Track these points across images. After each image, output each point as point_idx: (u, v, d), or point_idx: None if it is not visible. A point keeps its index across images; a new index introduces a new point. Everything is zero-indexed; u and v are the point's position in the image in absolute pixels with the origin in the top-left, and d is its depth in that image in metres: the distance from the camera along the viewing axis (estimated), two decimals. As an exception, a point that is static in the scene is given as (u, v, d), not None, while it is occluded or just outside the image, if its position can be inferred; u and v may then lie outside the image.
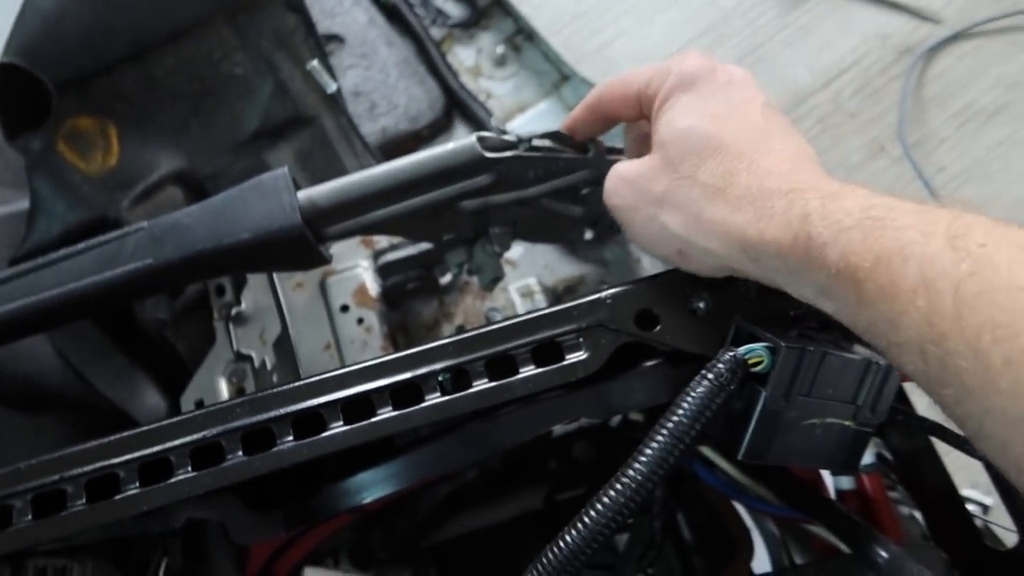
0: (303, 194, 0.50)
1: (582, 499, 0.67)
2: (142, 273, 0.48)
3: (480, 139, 0.53)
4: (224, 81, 0.68)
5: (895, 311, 0.31)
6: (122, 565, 0.53)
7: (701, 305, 0.47)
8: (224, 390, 0.66)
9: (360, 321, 0.67)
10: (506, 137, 0.54)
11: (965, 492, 0.58)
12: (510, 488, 0.69)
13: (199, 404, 0.65)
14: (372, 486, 0.49)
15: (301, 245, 0.50)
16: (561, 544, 0.38)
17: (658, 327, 0.46)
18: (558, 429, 0.65)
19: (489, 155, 0.53)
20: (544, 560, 0.38)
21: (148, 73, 0.65)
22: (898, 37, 0.83)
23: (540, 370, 0.45)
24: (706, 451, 0.58)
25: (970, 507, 0.53)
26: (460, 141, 0.53)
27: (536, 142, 0.55)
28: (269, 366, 0.64)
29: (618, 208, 0.46)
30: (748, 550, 0.60)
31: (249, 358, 0.66)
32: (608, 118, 0.51)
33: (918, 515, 0.56)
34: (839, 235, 0.34)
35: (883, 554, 0.44)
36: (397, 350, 0.68)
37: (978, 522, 0.53)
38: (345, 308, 0.67)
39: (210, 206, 0.50)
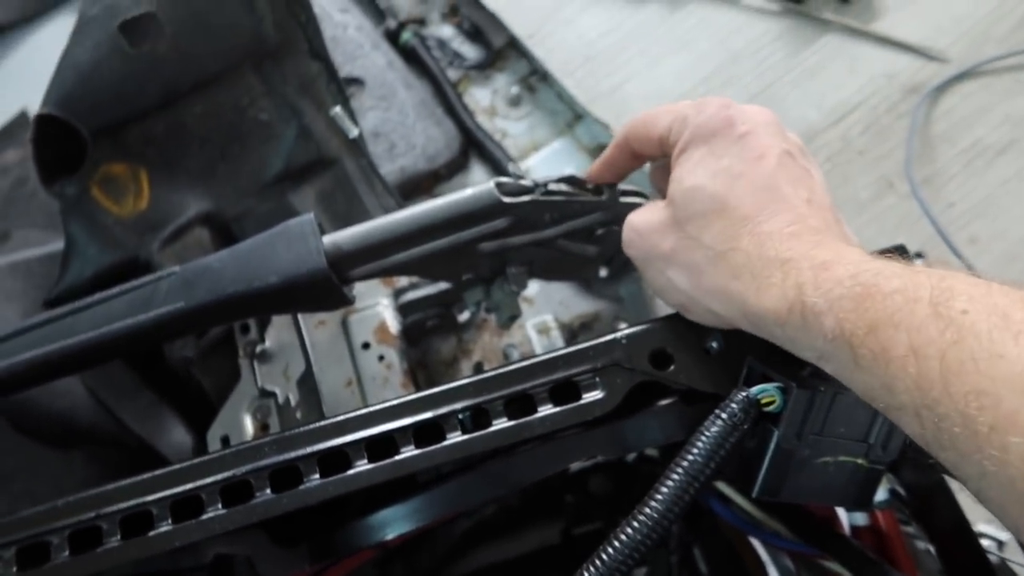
0: (328, 239, 0.52)
1: (599, 533, 0.68)
2: (175, 316, 0.50)
3: (498, 184, 0.54)
4: (250, 127, 0.71)
5: (889, 376, 0.32)
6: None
7: (714, 345, 0.48)
8: (249, 426, 0.67)
9: (381, 358, 0.68)
10: (523, 182, 0.56)
11: (980, 527, 0.58)
12: (528, 522, 0.70)
13: (225, 440, 0.67)
14: (395, 522, 0.50)
15: (326, 287, 0.52)
16: None
17: (672, 366, 0.47)
18: (575, 464, 0.66)
19: (507, 200, 0.55)
20: None
21: (178, 120, 0.68)
22: (905, 76, 0.84)
23: (558, 409, 0.46)
24: (722, 487, 0.59)
25: (985, 543, 0.54)
26: (479, 187, 0.54)
27: (552, 186, 0.57)
28: (293, 402, 0.66)
29: (633, 258, 0.49)
30: (763, 584, 0.60)
31: (273, 394, 0.67)
32: (636, 157, 0.53)
33: (934, 551, 0.56)
34: (832, 304, 0.35)
35: (895, 591, 0.45)
36: (417, 386, 0.70)
37: (993, 558, 0.53)
38: (366, 345, 0.69)
39: (239, 251, 0.52)
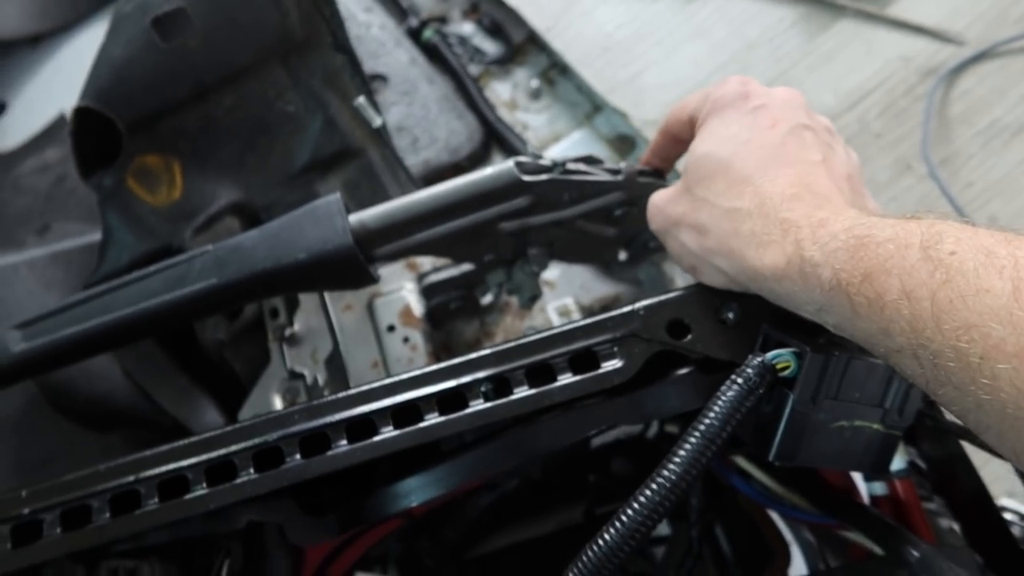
0: (354, 217, 0.54)
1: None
2: (208, 292, 0.52)
3: (517, 163, 0.56)
4: (277, 118, 0.73)
5: (885, 320, 0.34)
6: (185, 569, 0.56)
7: (730, 315, 0.48)
8: (279, 406, 0.69)
9: (406, 340, 0.70)
10: (542, 161, 0.57)
11: (1003, 502, 0.58)
12: (551, 502, 0.71)
13: (256, 420, 0.68)
14: (420, 490, 0.51)
15: (352, 265, 0.53)
16: (600, 542, 0.40)
17: (689, 336, 0.48)
18: (596, 443, 0.66)
19: (526, 178, 0.56)
20: (584, 558, 0.40)
21: (208, 113, 0.70)
22: (921, 59, 0.84)
23: (577, 378, 0.47)
24: (742, 462, 0.59)
25: (1007, 516, 0.53)
26: (498, 165, 0.56)
27: (570, 165, 0.58)
28: (321, 382, 0.67)
29: (656, 232, 0.51)
30: (785, 557, 0.60)
31: (302, 376, 0.69)
32: (677, 141, 0.55)
33: (957, 528, 0.56)
34: (829, 256, 0.37)
35: (915, 553, 0.45)
36: (441, 368, 0.71)
37: (1016, 530, 0.53)
38: (391, 328, 0.70)
39: (269, 230, 0.53)
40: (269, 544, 0.55)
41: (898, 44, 0.85)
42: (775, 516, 0.62)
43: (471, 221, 0.57)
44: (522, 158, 0.56)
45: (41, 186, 0.89)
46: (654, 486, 0.41)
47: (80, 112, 0.63)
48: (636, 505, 0.40)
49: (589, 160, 0.60)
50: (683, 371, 0.50)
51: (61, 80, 1.19)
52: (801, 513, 0.57)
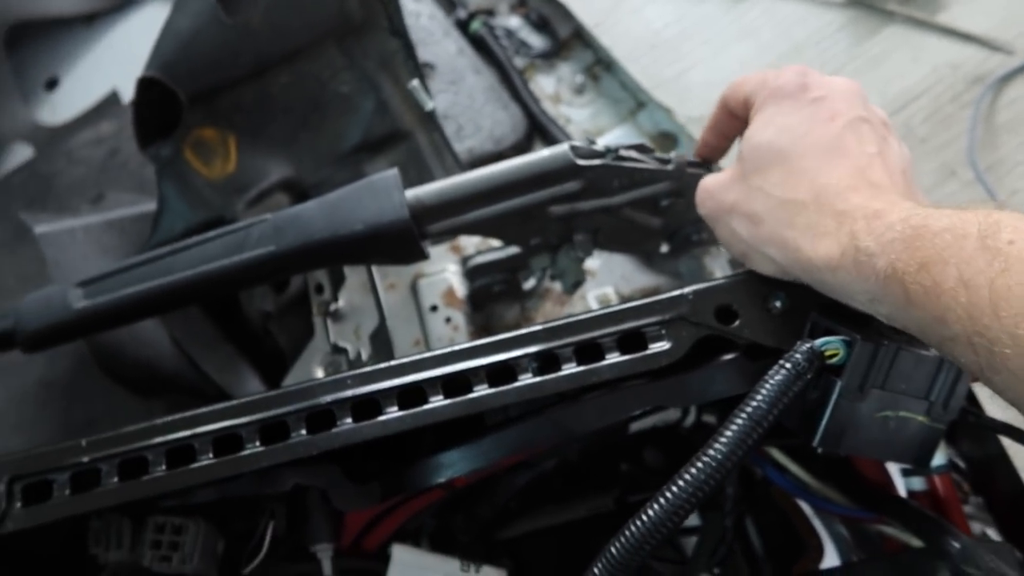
0: (411, 192, 0.54)
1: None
2: (265, 259, 0.53)
3: (572, 147, 0.56)
4: (331, 98, 0.74)
5: (941, 308, 0.34)
6: (225, 531, 0.57)
7: (778, 304, 0.49)
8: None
9: (448, 320, 0.70)
10: (595, 146, 0.57)
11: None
12: (583, 488, 0.71)
13: (298, 392, 0.69)
14: (463, 461, 0.52)
15: (406, 239, 0.54)
16: (644, 517, 0.40)
17: (736, 322, 0.48)
18: (633, 429, 0.67)
19: (580, 162, 0.56)
20: (628, 532, 0.40)
21: (265, 90, 0.71)
22: (969, 67, 0.84)
23: (625, 357, 0.47)
24: (776, 454, 0.59)
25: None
26: (553, 148, 0.56)
27: (622, 152, 0.59)
28: (364, 357, 0.68)
29: (705, 217, 0.51)
30: (818, 550, 0.60)
31: (344, 351, 0.70)
32: (733, 116, 0.54)
33: (991, 532, 0.56)
34: (885, 246, 0.37)
35: (956, 544, 0.45)
36: (481, 349, 0.71)
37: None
38: (434, 308, 0.71)
39: (327, 201, 0.54)
40: (312, 508, 0.55)
41: (946, 51, 0.85)
42: (807, 510, 0.62)
43: (523, 202, 0.57)
44: (576, 142, 0.57)
45: (95, 158, 0.91)
46: (700, 464, 0.41)
47: (144, 82, 0.64)
48: (682, 482, 0.41)
49: (641, 148, 0.60)
50: (728, 356, 0.50)
51: (112, 59, 1.21)
52: (836, 506, 0.57)
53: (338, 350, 0.70)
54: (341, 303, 0.72)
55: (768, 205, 0.45)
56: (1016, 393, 0.32)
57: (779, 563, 0.67)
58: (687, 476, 0.41)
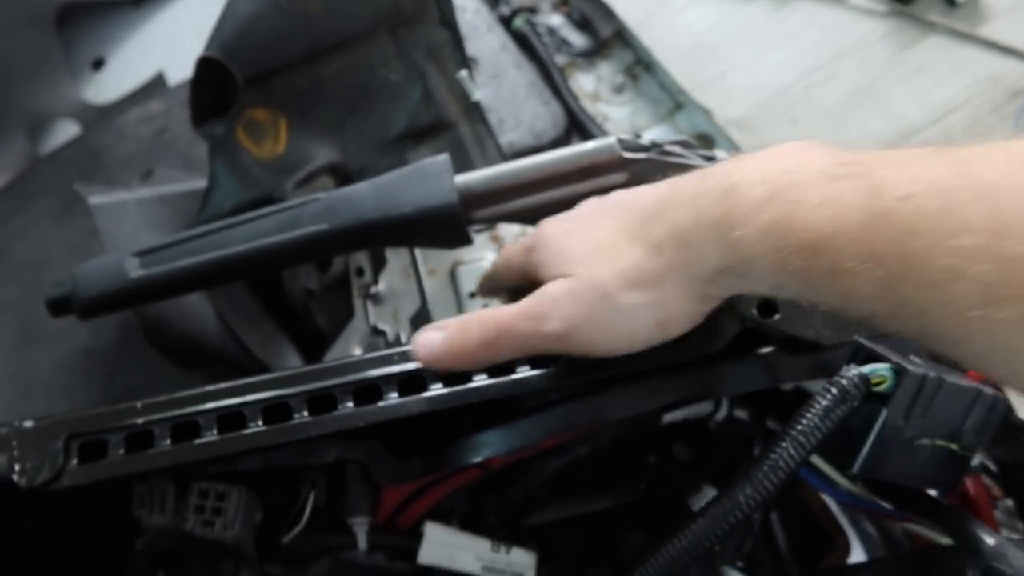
0: (459, 178, 0.55)
1: (678, 494, 0.68)
2: (317, 236, 0.54)
3: (619, 140, 0.57)
4: (380, 86, 0.75)
5: (847, 287, 0.32)
6: (265, 501, 0.58)
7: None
8: (359, 360, 0.71)
9: (485, 307, 0.71)
10: (641, 140, 0.58)
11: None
12: (612, 478, 0.72)
13: (336, 370, 0.70)
14: (501, 441, 0.52)
15: (454, 223, 0.55)
16: (686, 535, 0.41)
17: (777, 315, 0.49)
18: (665, 421, 0.67)
19: (626, 155, 0.57)
20: (668, 549, 0.41)
21: (317, 75, 0.72)
22: (1010, 80, 0.83)
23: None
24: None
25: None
26: (600, 140, 0.57)
27: (668, 147, 0.59)
28: (403, 340, 0.69)
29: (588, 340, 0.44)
30: (845, 547, 0.61)
31: (383, 333, 0.71)
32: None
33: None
34: (761, 248, 0.34)
35: (987, 541, 0.45)
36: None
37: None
38: (472, 295, 0.72)
39: (379, 183, 0.55)
40: (351, 482, 0.56)
41: (987, 63, 0.84)
42: (833, 506, 0.62)
43: (568, 193, 0.58)
44: (623, 135, 0.57)
45: (144, 135, 0.93)
46: (748, 489, 0.40)
47: (203, 62, 0.65)
48: (727, 504, 0.40)
49: (685, 144, 0.61)
50: (766, 349, 0.51)
51: (159, 41, 1.23)
52: (863, 503, 0.57)
53: (377, 332, 0.71)
54: (381, 286, 0.73)
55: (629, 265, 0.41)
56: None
57: (804, 559, 0.67)
58: (729, 501, 0.41)
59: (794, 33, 0.92)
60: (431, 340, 0.44)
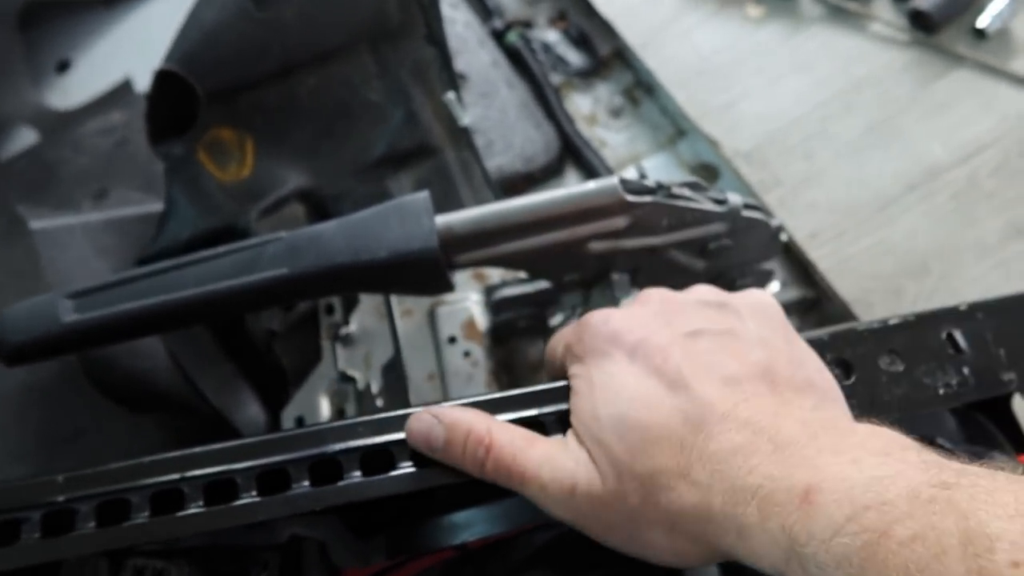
0: (441, 219, 0.50)
1: (674, 570, 0.63)
2: (277, 281, 0.49)
3: (622, 181, 0.52)
4: (359, 106, 0.69)
5: None
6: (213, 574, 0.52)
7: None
8: (325, 409, 0.65)
9: (467, 354, 0.66)
10: (646, 182, 0.53)
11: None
12: (605, 553, 0.67)
13: (299, 421, 0.65)
14: (483, 523, 0.47)
15: (433, 269, 0.50)
16: None
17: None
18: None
19: (629, 198, 0.52)
20: None
21: (290, 91, 0.67)
22: (1042, 120, 0.79)
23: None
24: None
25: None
26: (601, 181, 0.52)
27: (675, 190, 0.54)
28: (374, 390, 0.64)
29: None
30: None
31: (353, 380, 0.65)
32: None
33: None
34: (834, 560, 0.28)
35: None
36: (500, 387, 0.67)
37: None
38: (453, 340, 0.66)
39: (350, 222, 0.50)
40: (307, 562, 0.51)
41: (1017, 101, 0.80)
42: None
43: (562, 237, 0.53)
44: (626, 175, 0.52)
45: (102, 148, 0.87)
46: None
47: (161, 75, 0.60)
48: None
49: (694, 186, 0.56)
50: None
51: (129, 44, 1.18)
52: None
53: (346, 378, 0.66)
54: (352, 327, 0.68)
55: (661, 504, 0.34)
56: None
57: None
58: None
59: (809, 60, 0.87)
60: (429, 433, 0.41)
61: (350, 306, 0.69)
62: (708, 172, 0.90)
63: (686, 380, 0.35)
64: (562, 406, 0.43)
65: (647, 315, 0.40)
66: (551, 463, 0.38)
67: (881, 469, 0.28)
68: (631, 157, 0.93)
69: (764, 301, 0.41)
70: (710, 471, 0.33)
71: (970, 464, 0.29)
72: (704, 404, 0.34)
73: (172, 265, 0.50)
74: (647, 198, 0.53)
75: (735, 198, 0.57)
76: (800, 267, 0.80)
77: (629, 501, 0.35)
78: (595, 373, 0.39)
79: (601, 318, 0.40)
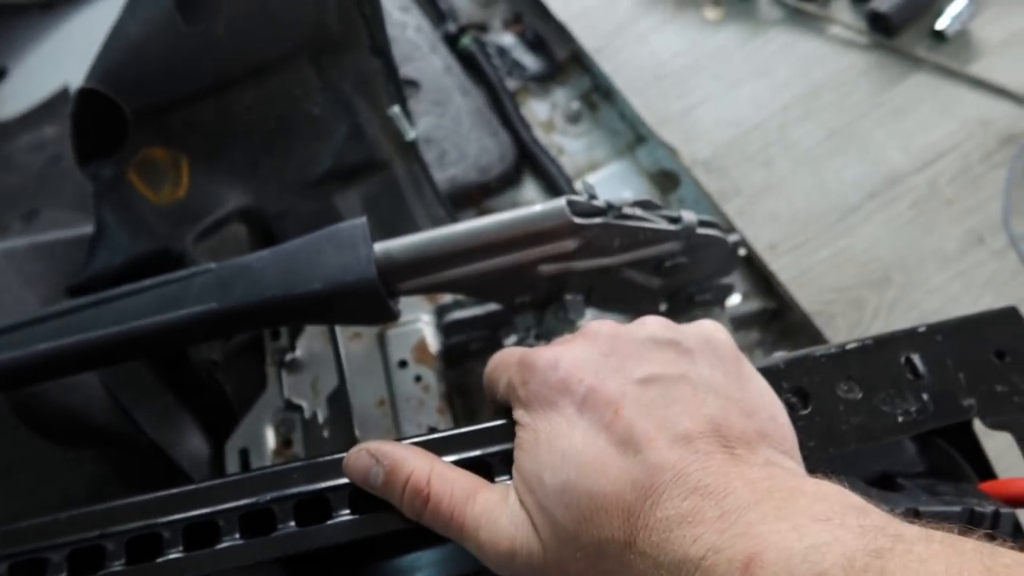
0: (380, 247, 0.48)
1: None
2: (205, 317, 0.46)
3: (570, 203, 0.50)
4: (300, 121, 0.67)
5: None
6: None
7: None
8: (271, 440, 0.63)
9: (418, 379, 0.64)
10: (595, 202, 0.51)
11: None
12: None
13: (244, 452, 0.62)
14: (426, 568, 0.45)
15: (373, 300, 0.48)
16: None
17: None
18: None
19: (578, 220, 0.50)
20: None
21: (226, 107, 0.64)
22: (1002, 124, 0.79)
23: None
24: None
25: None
26: (548, 204, 0.50)
27: (626, 210, 0.53)
28: (321, 419, 0.61)
29: None
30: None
31: (300, 408, 0.63)
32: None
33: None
34: None
35: None
36: (454, 412, 0.65)
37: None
38: (403, 363, 0.64)
39: (282, 252, 0.48)
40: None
41: (978, 105, 0.80)
42: None
43: (510, 262, 0.51)
44: (575, 197, 0.51)
45: (34, 165, 0.83)
46: None
47: (84, 93, 0.57)
48: None
49: (646, 205, 0.54)
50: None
51: (69, 50, 1.14)
52: None
53: (292, 407, 0.64)
54: (299, 352, 0.65)
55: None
56: None
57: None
58: None
59: (768, 65, 0.86)
60: (367, 472, 0.40)
61: (296, 331, 0.67)
62: (668, 179, 0.89)
63: (636, 440, 0.34)
64: (507, 445, 0.41)
65: (596, 357, 0.38)
66: (489, 525, 0.36)
67: (820, 536, 0.28)
68: (589, 164, 0.92)
69: (716, 338, 0.40)
70: (656, 541, 0.32)
71: (911, 524, 0.29)
72: (654, 469, 0.33)
73: (93, 301, 0.47)
74: (597, 220, 0.51)
75: (689, 216, 0.56)
76: (761, 278, 0.79)
77: (570, 570, 0.34)
78: (541, 425, 0.37)
79: (549, 362, 0.38)
